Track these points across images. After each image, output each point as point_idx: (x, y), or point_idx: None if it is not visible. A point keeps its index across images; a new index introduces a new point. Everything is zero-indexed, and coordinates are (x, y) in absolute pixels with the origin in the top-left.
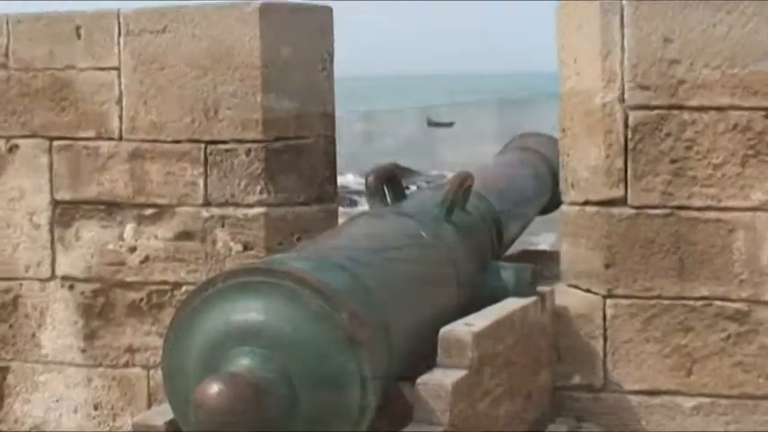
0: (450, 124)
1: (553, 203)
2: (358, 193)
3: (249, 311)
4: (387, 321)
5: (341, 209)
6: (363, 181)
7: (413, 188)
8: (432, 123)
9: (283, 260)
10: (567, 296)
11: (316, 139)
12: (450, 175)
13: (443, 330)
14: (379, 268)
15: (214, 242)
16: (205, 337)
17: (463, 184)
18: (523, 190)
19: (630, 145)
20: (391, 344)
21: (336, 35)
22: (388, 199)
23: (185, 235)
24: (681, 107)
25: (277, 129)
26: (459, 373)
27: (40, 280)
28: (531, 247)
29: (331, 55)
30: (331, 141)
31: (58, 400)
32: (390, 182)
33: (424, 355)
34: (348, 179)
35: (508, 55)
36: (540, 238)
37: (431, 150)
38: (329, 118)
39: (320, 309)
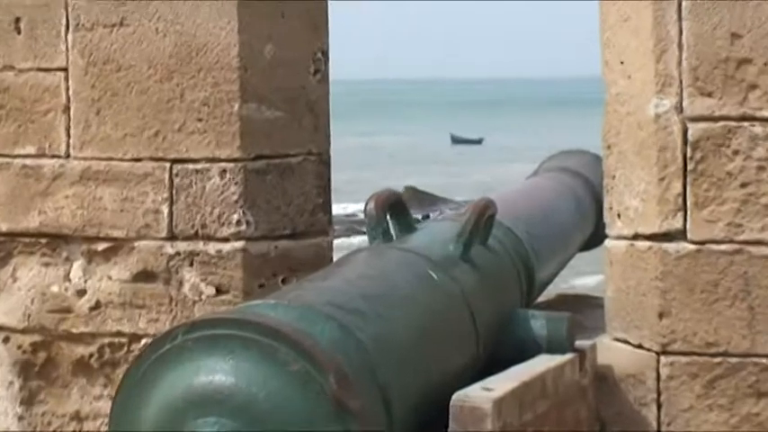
0: (478, 141)
1: (597, 237)
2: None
3: (214, 373)
4: (386, 385)
5: (338, 240)
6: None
7: (433, 216)
8: (456, 140)
9: (259, 308)
10: (612, 353)
11: (305, 158)
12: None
13: (456, 396)
14: (378, 319)
15: (180, 284)
16: (161, 404)
17: (484, 214)
18: (560, 221)
19: (690, 165)
20: (391, 414)
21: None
22: (393, 232)
23: (145, 275)
24: (752, 118)
25: (258, 145)
26: None
27: None
28: (570, 292)
29: (326, 54)
30: (324, 161)
31: None
32: (395, 210)
33: (433, 427)
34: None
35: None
36: (581, 280)
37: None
38: (322, 131)
39: (302, 370)
